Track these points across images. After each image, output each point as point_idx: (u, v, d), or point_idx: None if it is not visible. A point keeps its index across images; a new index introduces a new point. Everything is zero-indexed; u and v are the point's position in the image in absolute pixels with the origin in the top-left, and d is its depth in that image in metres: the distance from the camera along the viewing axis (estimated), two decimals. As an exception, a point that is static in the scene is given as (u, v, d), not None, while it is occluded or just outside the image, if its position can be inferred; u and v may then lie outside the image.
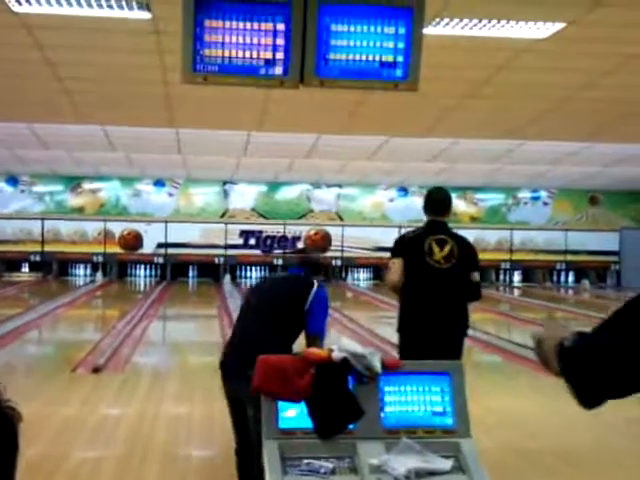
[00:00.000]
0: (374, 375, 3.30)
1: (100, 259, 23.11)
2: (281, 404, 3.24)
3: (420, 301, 5.43)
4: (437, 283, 5.39)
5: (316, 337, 4.41)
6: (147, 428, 6.26)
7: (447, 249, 5.40)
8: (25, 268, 23.48)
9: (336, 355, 3.28)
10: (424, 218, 5.70)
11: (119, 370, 8.83)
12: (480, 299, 5.79)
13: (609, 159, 17.14)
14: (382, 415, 3.30)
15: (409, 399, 3.35)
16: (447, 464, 3.15)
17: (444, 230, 5.53)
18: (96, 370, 8.51)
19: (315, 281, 4.48)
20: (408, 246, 5.49)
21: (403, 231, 6.19)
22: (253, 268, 23.17)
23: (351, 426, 3.24)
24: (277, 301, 4.43)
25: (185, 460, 5.55)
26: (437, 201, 5.64)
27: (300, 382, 3.23)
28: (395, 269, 5.46)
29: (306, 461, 3.09)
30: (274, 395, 3.23)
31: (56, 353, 11.17)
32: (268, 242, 23.38)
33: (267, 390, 3.25)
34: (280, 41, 4.12)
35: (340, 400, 3.23)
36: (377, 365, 3.30)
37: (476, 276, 5.59)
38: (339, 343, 3.37)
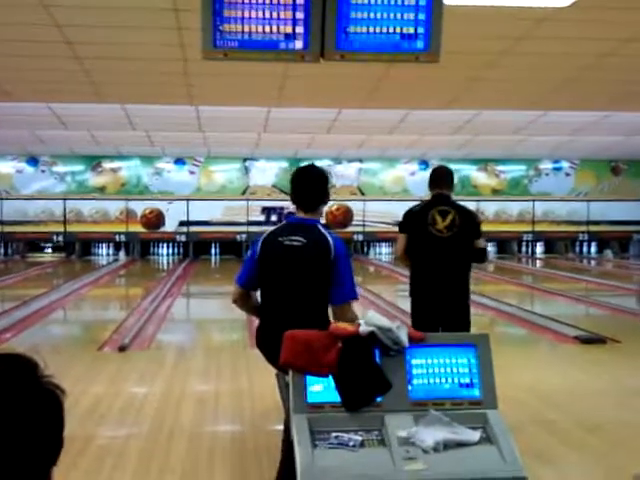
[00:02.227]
0: (401, 348, 3.30)
1: (122, 238, 23.25)
2: (308, 378, 3.25)
3: (426, 267, 5.99)
4: (440, 250, 5.94)
5: (348, 305, 4.35)
6: (174, 406, 6.30)
7: (449, 219, 5.94)
8: (48, 248, 23.67)
9: (363, 329, 3.28)
10: (444, 192, 6.14)
11: (144, 348, 8.88)
12: (485, 262, 6.61)
13: (631, 128, 16.97)
14: (409, 387, 3.30)
15: (436, 371, 3.35)
16: (475, 435, 3.16)
17: (447, 202, 6.06)
18: (122, 349, 8.56)
19: (329, 237, 4.34)
20: (413, 219, 6.06)
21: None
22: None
23: (379, 399, 3.25)
24: (302, 282, 4.32)
25: (212, 437, 5.58)
26: (439, 176, 6.20)
27: (327, 356, 3.23)
28: (399, 244, 6.19)
29: (335, 434, 3.11)
30: (301, 370, 3.24)
31: (81, 332, 11.26)
32: (283, 220, 23.34)
33: (295, 365, 3.26)
34: (300, 15, 4.10)
35: (367, 373, 3.23)
36: (404, 339, 3.30)
37: (480, 242, 6.13)
38: (366, 317, 3.37)
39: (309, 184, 4.53)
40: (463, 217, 6.01)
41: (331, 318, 4.32)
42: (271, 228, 4.65)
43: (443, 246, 5.94)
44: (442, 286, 5.94)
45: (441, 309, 5.89)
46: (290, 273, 4.34)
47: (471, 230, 6.05)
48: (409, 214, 6.15)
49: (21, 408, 1.52)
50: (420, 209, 6.08)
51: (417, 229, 5.99)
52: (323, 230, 4.40)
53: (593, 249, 25.15)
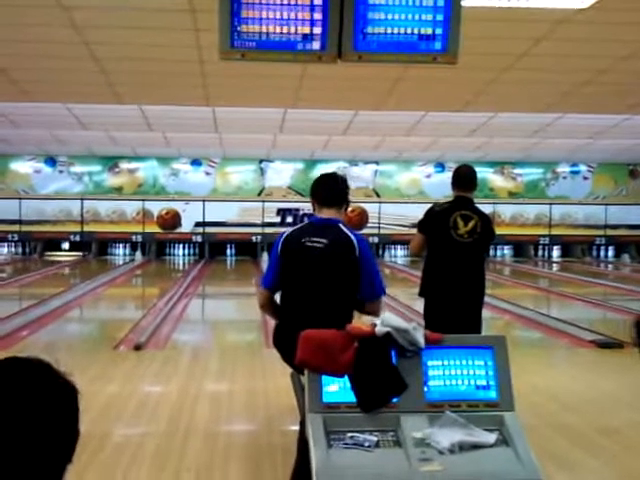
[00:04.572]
0: (417, 350, 3.30)
1: (139, 238, 23.33)
2: (324, 378, 3.25)
3: (443, 271, 5.95)
4: (459, 255, 5.92)
5: (378, 301, 4.44)
6: (189, 405, 6.31)
7: (471, 224, 5.92)
8: (65, 248, 23.77)
9: (379, 329, 3.28)
10: (467, 194, 6.11)
11: (160, 348, 8.91)
12: None
13: (650, 131, 16.90)
14: (425, 389, 3.29)
15: (452, 373, 3.34)
16: (491, 437, 3.14)
17: (470, 206, 6.01)
18: (137, 348, 8.59)
19: (352, 236, 4.41)
20: (435, 220, 6.01)
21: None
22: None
23: (394, 400, 3.24)
24: (322, 283, 4.37)
25: (227, 436, 5.58)
26: (464, 177, 6.11)
27: (343, 356, 3.23)
28: (415, 243, 6.22)
29: (350, 434, 3.10)
30: (317, 369, 3.24)
31: (98, 331, 11.30)
32: (305, 220, 23.34)
33: (310, 365, 3.26)
34: (318, 15, 4.10)
35: (383, 374, 3.22)
36: (420, 340, 3.29)
37: None
38: (382, 318, 3.36)
39: (334, 181, 4.65)
40: (484, 224, 6.01)
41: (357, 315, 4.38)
42: (292, 228, 4.67)
43: (463, 251, 5.93)
44: (459, 290, 5.93)
45: (455, 313, 5.88)
46: (311, 274, 4.37)
47: (487, 239, 6.13)
48: (430, 214, 6.09)
49: (36, 401, 1.53)
50: (442, 210, 6.03)
51: (438, 231, 5.96)
52: (345, 229, 4.44)
53: (610, 253, 25.03)
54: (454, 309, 5.90)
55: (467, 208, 5.99)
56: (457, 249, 5.92)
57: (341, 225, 4.48)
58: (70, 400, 1.60)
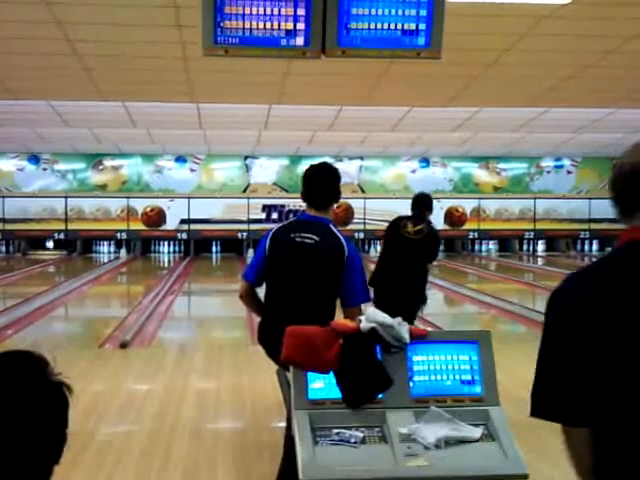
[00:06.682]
0: (402, 345, 3.29)
1: (124, 236, 23.24)
2: (309, 375, 3.24)
3: (392, 261, 7.07)
4: (405, 249, 7.03)
5: (359, 307, 4.39)
6: (175, 402, 6.30)
7: (419, 227, 7.10)
8: (49, 246, 23.67)
9: (364, 325, 3.27)
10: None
11: (146, 345, 8.88)
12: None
13: (633, 125, 16.94)
14: (410, 384, 3.29)
15: (437, 368, 3.34)
16: (477, 432, 3.14)
17: (421, 218, 7.23)
18: (123, 345, 8.57)
19: (342, 238, 4.39)
20: (391, 226, 7.26)
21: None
22: (276, 242, 23.14)
23: (380, 395, 3.24)
24: (311, 279, 4.35)
25: (214, 433, 5.58)
26: (421, 201, 7.37)
27: (328, 353, 3.22)
28: (381, 250, 7.54)
29: (336, 431, 3.09)
30: (302, 366, 3.23)
31: (83, 329, 11.26)
32: (290, 216, 23.35)
33: (296, 361, 3.25)
34: (301, 11, 4.09)
35: (368, 370, 3.22)
36: (405, 335, 3.29)
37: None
38: (366, 313, 3.36)
39: (322, 182, 4.60)
40: (430, 230, 7.19)
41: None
42: (280, 224, 4.65)
43: (409, 246, 7.00)
44: (398, 279, 6.91)
45: (393, 300, 6.60)
46: (300, 270, 4.35)
47: (434, 242, 7.24)
48: (389, 224, 7.31)
49: (28, 403, 1.53)
50: (398, 219, 7.28)
51: (392, 232, 7.16)
52: (335, 230, 4.44)
53: (595, 247, 25.14)
54: (392, 297, 6.72)
55: (419, 219, 7.18)
56: (404, 244, 7.02)
57: (331, 226, 4.47)
58: (60, 400, 1.59)
